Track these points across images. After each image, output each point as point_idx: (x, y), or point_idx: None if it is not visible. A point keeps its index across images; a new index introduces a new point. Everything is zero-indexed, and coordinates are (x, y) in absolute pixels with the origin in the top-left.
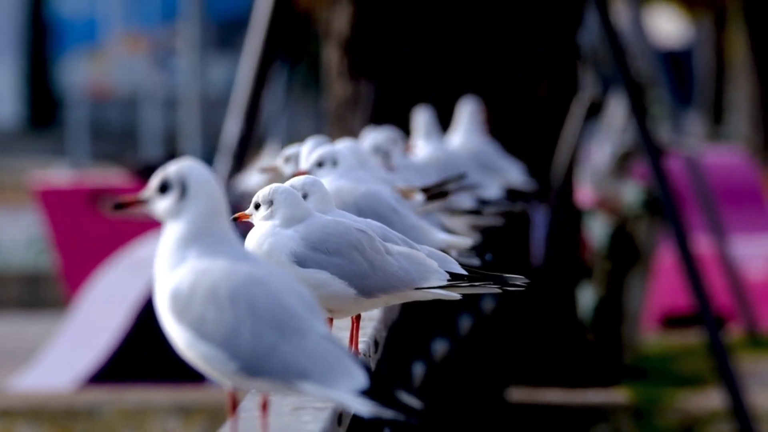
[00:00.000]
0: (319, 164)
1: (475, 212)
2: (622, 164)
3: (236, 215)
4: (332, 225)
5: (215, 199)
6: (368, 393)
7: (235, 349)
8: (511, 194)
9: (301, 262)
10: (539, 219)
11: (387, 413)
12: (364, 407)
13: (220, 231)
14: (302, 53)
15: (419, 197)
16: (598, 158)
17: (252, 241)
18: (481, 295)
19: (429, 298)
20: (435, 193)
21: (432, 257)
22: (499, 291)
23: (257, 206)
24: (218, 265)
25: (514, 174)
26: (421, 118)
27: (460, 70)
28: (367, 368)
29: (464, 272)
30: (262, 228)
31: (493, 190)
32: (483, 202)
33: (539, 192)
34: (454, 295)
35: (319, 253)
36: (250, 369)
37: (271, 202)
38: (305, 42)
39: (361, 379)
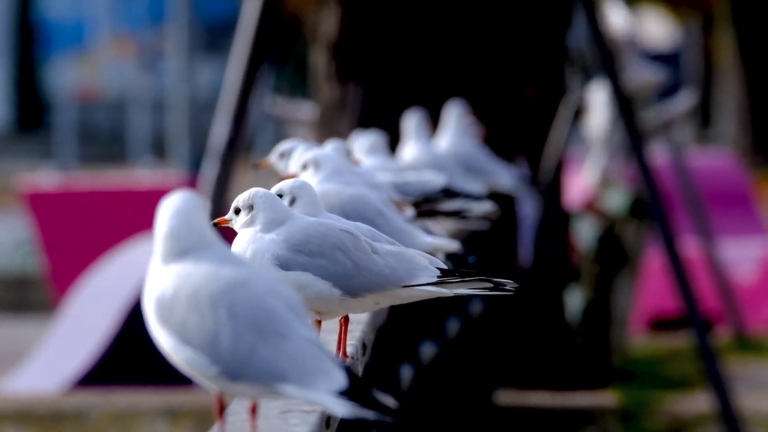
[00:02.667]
0: (304, 167)
1: (460, 216)
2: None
3: (216, 220)
4: (314, 226)
5: (177, 225)
6: (347, 394)
7: (216, 354)
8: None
9: (284, 264)
10: (527, 221)
11: (365, 413)
12: (342, 408)
13: (201, 241)
14: (289, 56)
15: (410, 212)
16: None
17: (235, 248)
18: (469, 298)
19: (419, 297)
20: (426, 210)
21: (400, 258)
22: (491, 287)
23: (237, 211)
24: (200, 269)
25: (503, 178)
26: (411, 121)
27: (449, 73)
28: (347, 369)
29: (454, 270)
30: (245, 235)
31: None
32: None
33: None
34: (445, 291)
35: (302, 255)
36: (230, 373)
37: (251, 207)
38: (292, 45)
39: (340, 381)
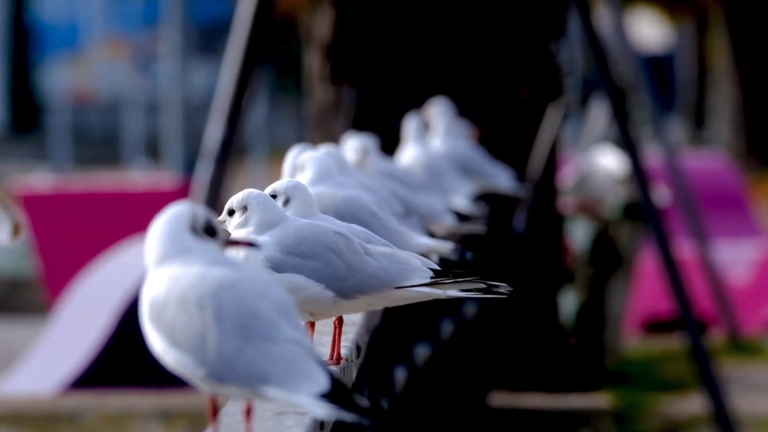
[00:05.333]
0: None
1: (457, 217)
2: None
3: None
4: (307, 228)
5: (162, 236)
6: (328, 396)
7: (202, 356)
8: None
9: (277, 267)
10: (520, 223)
11: (345, 416)
12: (321, 410)
13: (180, 248)
14: (273, 56)
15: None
16: (580, 163)
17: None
18: (463, 300)
19: (412, 299)
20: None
21: (392, 260)
22: (485, 287)
23: (231, 212)
24: (190, 271)
25: (501, 179)
26: (412, 124)
27: (443, 75)
28: (330, 372)
29: (447, 271)
30: (238, 236)
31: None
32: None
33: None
34: (438, 292)
35: (294, 256)
36: (216, 375)
37: (245, 208)
38: (277, 44)
39: (322, 383)
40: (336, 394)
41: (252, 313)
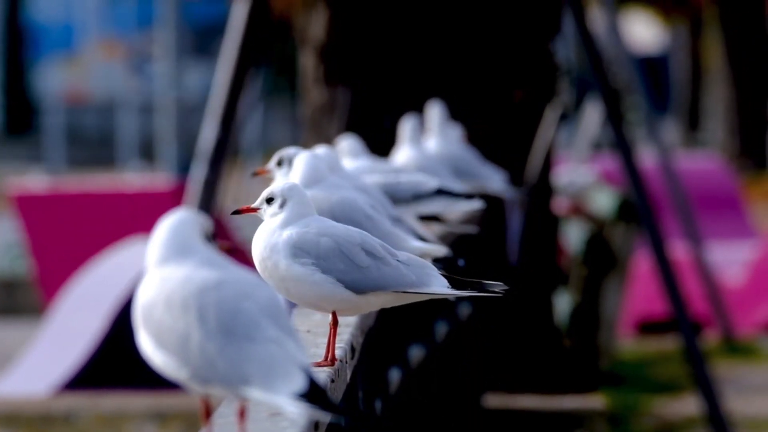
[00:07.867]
0: (279, 163)
1: (446, 212)
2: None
3: (241, 207)
4: (328, 224)
5: (162, 240)
6: (306, 396)
7: (186, 357)
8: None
9: (293, 260)
10: (514, 224)
11: (320, 415)
12: (298, 410)
13: (182, 249)
14: (269, 57)
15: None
16: (575, 164)
17: (255, 241)
18: (457, 301)
19: (421, 298)
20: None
21: (411, 263)
22: (479, 289)
23: (269, 200)
24: (178, 273)
25: (494, 181)
26: (408, 126)
27: (437, 76)
28: (308, 371)
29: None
30: (267, 226)
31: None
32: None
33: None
34: (448, 292)
35: (308, 255)
36: (200, 375)
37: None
38: (272, 46)
39: (300, 383)
40: (313, 393)
41: (234, 313)
